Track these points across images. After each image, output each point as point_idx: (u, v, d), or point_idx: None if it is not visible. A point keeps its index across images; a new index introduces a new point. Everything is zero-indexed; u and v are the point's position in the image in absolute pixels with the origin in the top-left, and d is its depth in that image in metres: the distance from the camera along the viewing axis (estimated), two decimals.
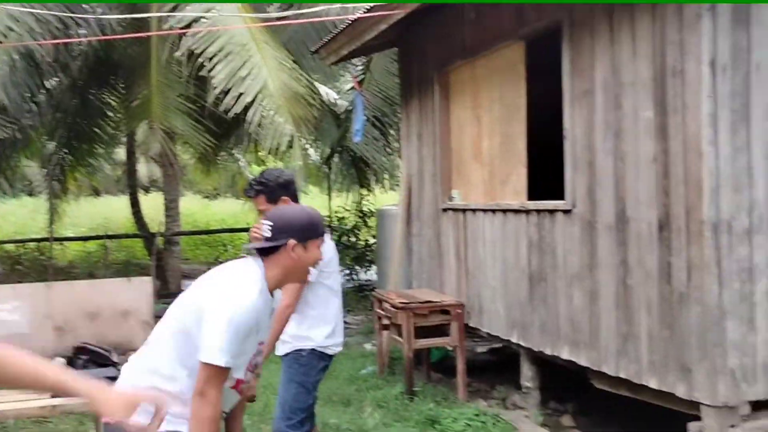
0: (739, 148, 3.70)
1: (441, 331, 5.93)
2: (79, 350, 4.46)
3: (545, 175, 5.51)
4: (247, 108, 7.98)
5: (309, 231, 2.48)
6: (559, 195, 4.91)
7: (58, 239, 13.66)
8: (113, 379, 2.60)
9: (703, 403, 3.77)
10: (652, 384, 4.11)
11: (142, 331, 4.46)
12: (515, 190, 5.53)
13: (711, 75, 3.62)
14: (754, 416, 3.81)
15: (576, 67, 4.65)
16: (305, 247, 2.46)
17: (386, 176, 14.51)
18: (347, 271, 11.28)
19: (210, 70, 8.16)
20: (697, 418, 3.85)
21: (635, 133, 4.13)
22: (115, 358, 4.39)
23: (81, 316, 4.65)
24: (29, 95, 10.22)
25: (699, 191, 3.69)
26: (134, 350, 2.72)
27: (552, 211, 4.99)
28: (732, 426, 3.74)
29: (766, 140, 3.74)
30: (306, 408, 3.60)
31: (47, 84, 10.89)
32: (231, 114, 8.31)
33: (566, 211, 4.81)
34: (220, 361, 2.28)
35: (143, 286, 4.89)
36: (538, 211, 5.16)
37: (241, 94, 7.93)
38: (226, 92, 8.05)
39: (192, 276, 12.86)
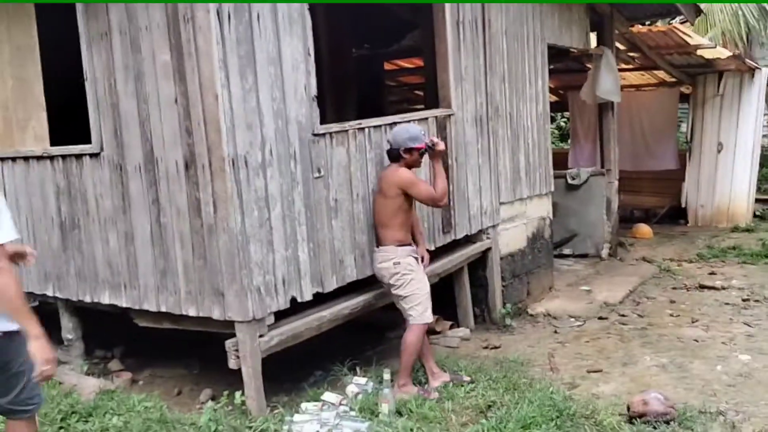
0: (248, 90, 4.11)
1: None
2: None
3: (77, 119, 5.30)
4: None
5: None
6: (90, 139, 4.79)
7: None
8: None
9: (236, 320, 4.21)
10: (192, 312, 4.42)
11: None
12: (36, 136, 5.22)
13: (218, 22, 3.92)
14: (277, 324, 4.41)
15: (91, 9, 4.54)
16: None
17: None
18: None
19: None
20: (233, 336, 4.29)
21: (155, 76, 4.26)
22: None
23: None
24: None
25: (217, 130, 4.01)
26: None
27: (79, 156, 4.87)
28: (261, 336, 4.27)
29: (270, 83, 4.23)
30: None
31: None
32: None
33: (94, 155, 4.74)
34: None
35: None
36: (64, 156, 4.98)
37: None
38: None
39: None
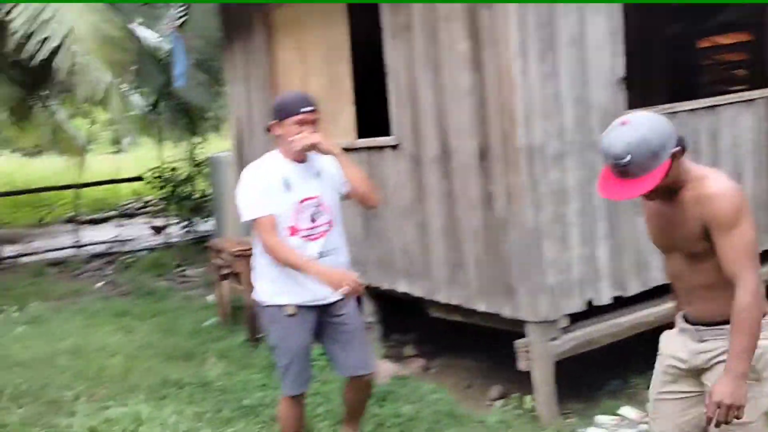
0: (547, 75, 3.85)
1: None
2: None
3: (377, 110, 5.50)
4: (53, 54, 7.32)
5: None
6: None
7: None
8: None
9: (526, 320, 4.00)
10: (481, 307, 4.30)
11: None
12: (344, 130, 5.50)
13: (518, 6, 3.72)
14: (571, 328, 4.10)
15: (393, 5, 4.62)
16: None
17: (217, 122, 13.96)
18: (185, 223, 10.94)
19: (7, 13, 7.40)
20: (523, 335, 4.09)
21: (452, 66, 4.19)
22: None
23: None
24: None
25: (513, 120, 3.83)
26: None
27: (380, 148, 5.02)
28: (553, 339, 4.01)
29: (571, 67, 3.93)
30: None
31: None
32: (36, 61, 7.58)
33: (394, 147, 4.85)
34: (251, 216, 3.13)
35: None
36: (368, 148, 5.17)
37: (46, 38, 7.26)
38: (27, 37, 7.34)
39: (12, 240, 11.90)
